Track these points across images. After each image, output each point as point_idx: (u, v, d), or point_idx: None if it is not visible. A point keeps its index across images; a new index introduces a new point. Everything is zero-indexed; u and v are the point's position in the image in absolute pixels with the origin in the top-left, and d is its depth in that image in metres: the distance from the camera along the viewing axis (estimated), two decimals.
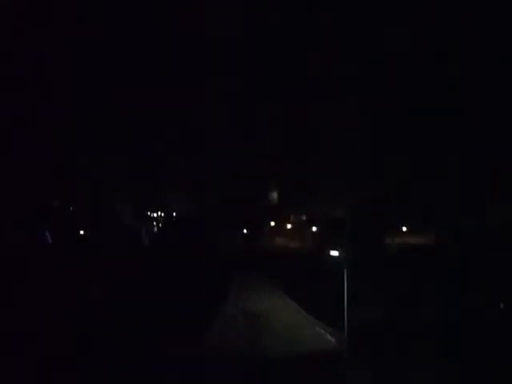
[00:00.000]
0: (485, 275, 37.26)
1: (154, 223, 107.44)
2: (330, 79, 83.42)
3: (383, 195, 70.63)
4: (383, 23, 73.58)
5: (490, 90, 69.86)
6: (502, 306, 32.13)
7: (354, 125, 78.19)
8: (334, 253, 24.81)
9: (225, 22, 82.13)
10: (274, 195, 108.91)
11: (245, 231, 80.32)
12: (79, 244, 66.06)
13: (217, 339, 24.62)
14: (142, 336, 27.67)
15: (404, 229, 64.26)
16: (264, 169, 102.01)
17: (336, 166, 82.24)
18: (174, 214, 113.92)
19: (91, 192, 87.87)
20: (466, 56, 68.69)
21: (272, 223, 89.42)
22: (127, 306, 34.14)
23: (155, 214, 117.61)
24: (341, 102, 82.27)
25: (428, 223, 64.97)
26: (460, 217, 61.94)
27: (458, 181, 67.39)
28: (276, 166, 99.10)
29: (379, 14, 74.55)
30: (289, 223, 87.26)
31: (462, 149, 69.34)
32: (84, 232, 73.93)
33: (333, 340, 24.90)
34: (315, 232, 73.08)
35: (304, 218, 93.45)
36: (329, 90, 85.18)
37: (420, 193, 69.56)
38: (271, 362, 22.90)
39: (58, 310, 32.62)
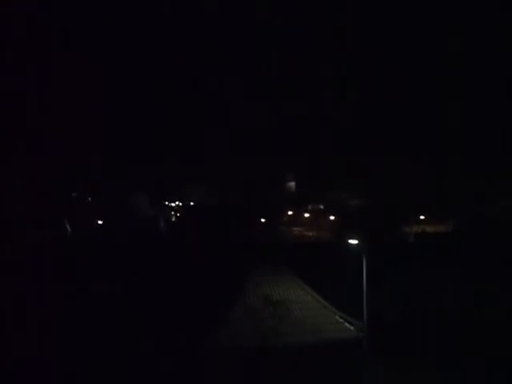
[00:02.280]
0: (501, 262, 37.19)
1: (172, 213, 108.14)
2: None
3: (401, 185, 70.70)
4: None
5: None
6: None
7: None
8: (353, 241, 24.82)
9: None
10: (292, 185, 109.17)
11: (263, 220, 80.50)
12: (96, 234, 66.37)
13: (236, 327, 24.77)
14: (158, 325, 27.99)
15: (422, 217, 64.08)
16: (281, 159, 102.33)
17: (354, 161, 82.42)
18: (192, 203, 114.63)
19: (107, 182, 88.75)
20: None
21: (290, 212, 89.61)
22: (142, 295, 34.53)
23: (173, 204, 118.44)
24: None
25: (445, 212, 64.85)
26: (473, 207, 61.94)
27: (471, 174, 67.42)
28: (293, 158, 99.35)
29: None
30: (306, 212, 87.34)
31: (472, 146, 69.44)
32: (102, 222, 74.54)
33: (352, 328, 24.94)
34: (333, 221, 73.08)
35: (321, 207, 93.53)
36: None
37: (436, 184, 69.60)
38: (290, 351, 23.06)
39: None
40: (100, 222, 73.71)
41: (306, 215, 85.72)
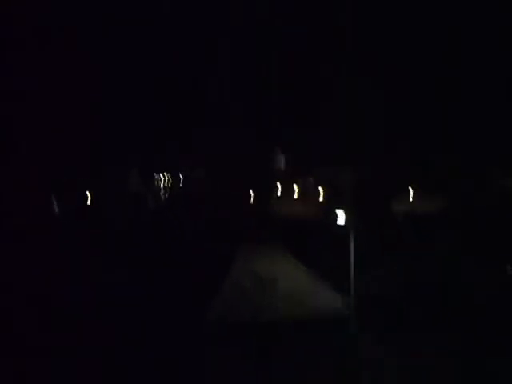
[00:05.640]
0: (491, 241, 37.32)
1: (162, 186, 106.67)
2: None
3: (390, 162, 70.66)
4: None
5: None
6: (509, 269, 32.13)
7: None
8: (341, 217, 24.73)
9: None
10: (281, 159, 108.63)
11: (251, 194, 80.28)
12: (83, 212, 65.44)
13: (223, 304, 24.80)
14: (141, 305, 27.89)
15: (411, 194, 64.10)
16: (269, 132, 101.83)
17: (342, 133, 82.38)
18: (181, 176, 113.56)
19: (96, 155, 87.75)
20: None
21: (279, 187, 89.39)
22: (127, 274, 34.42)
23: (162, 177, 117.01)
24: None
25: (435, 190, 64.86)
26: (465, 184, 62.01)
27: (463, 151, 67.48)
28: (281, 130, 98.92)
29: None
30: (296, 188, 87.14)
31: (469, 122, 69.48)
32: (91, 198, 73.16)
33: (341, 303, 25.01)
34: (322, 196, 73.06)
35: (311, 181, 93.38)
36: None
37: (427, 161, 69.61)
38: (279, 326, 23.12)
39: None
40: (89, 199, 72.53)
41: (296, 190, 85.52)
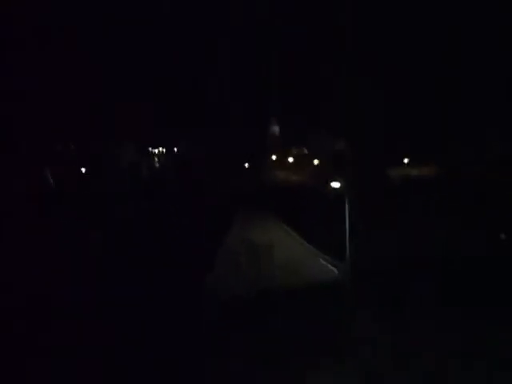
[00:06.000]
0: (485, 208, 37.30)
1: (156, 159, 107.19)
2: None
3: (384, 128, 70.46)
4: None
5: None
6: (502, 236, 32.23)
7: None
8: (336, 185, 24.72)
9: None
10: (276, 129, 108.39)
11: (246, 165, 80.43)
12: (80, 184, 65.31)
13: (220, 272, 24.98)
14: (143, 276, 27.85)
15: (406, 161, 64.11)
16: (265, 101, 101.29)
17: (337, 99, 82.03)
18: (175, 149, 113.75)
19: (93, 129, 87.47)
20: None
21: (273, 157, 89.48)
22: (127, 246, 34.34)
23: (156, 150, 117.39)
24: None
25: (429, 156, 64.81)
26: (460, 151, 61.88)
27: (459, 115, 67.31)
28: (277, 99, 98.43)
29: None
30: (290, 156, 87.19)
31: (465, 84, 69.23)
32: (85, 170, 73.41)
33: (335, 270, 25.19)
34: (317, 164, 73.14)
35: (305, 150, 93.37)
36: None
37: (421, 126, 69.42)
38: (274, 293, 23.28)
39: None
40: (83, 170, 72.75)
41: (290, 159, 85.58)
